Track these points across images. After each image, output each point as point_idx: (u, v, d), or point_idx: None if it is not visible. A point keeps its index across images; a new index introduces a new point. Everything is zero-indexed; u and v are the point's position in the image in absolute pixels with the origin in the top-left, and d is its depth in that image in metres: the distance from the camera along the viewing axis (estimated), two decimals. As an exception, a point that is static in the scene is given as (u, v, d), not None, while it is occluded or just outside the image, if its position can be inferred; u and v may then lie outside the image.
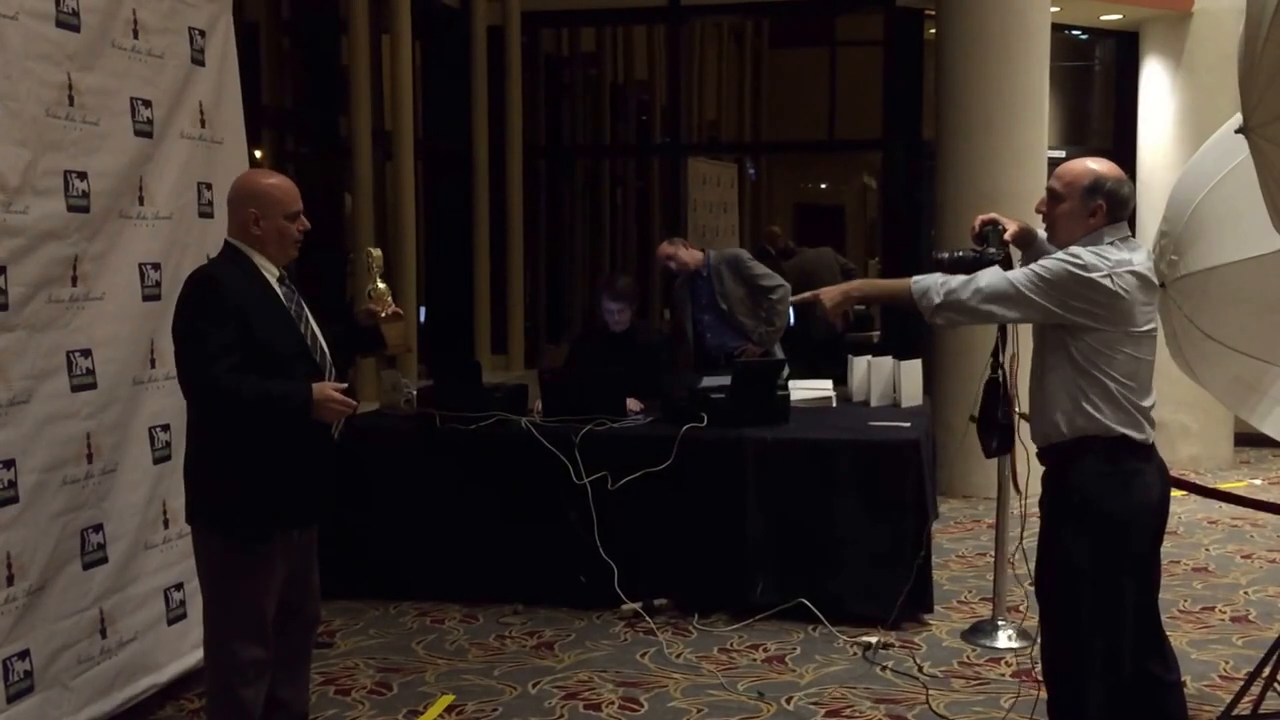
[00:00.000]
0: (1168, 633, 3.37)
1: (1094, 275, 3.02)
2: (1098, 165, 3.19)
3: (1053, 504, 3.19)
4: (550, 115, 10.60)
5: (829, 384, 6.35)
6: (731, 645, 4.89)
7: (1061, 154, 8.57)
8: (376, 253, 3.71)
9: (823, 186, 18.15)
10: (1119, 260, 3.06)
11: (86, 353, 3.92)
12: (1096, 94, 9.85)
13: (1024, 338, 3.50)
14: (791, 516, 5.18)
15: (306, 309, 3.53)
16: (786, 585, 5.14)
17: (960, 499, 7.48)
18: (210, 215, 4.62)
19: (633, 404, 5.70)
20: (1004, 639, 4.92)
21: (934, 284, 3.19)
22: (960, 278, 3.18)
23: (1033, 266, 3.11)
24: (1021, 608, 4.85)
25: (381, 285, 3.63)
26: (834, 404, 6.12)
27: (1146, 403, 3.11)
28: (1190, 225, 3.61)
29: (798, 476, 5.19)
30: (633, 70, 12.26)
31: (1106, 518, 3.06)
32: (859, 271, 10.87)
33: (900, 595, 5.08)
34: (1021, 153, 7.21)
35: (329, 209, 7.07)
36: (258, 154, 6.73)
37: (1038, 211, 3.24)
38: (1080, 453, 3.10)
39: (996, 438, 3.38)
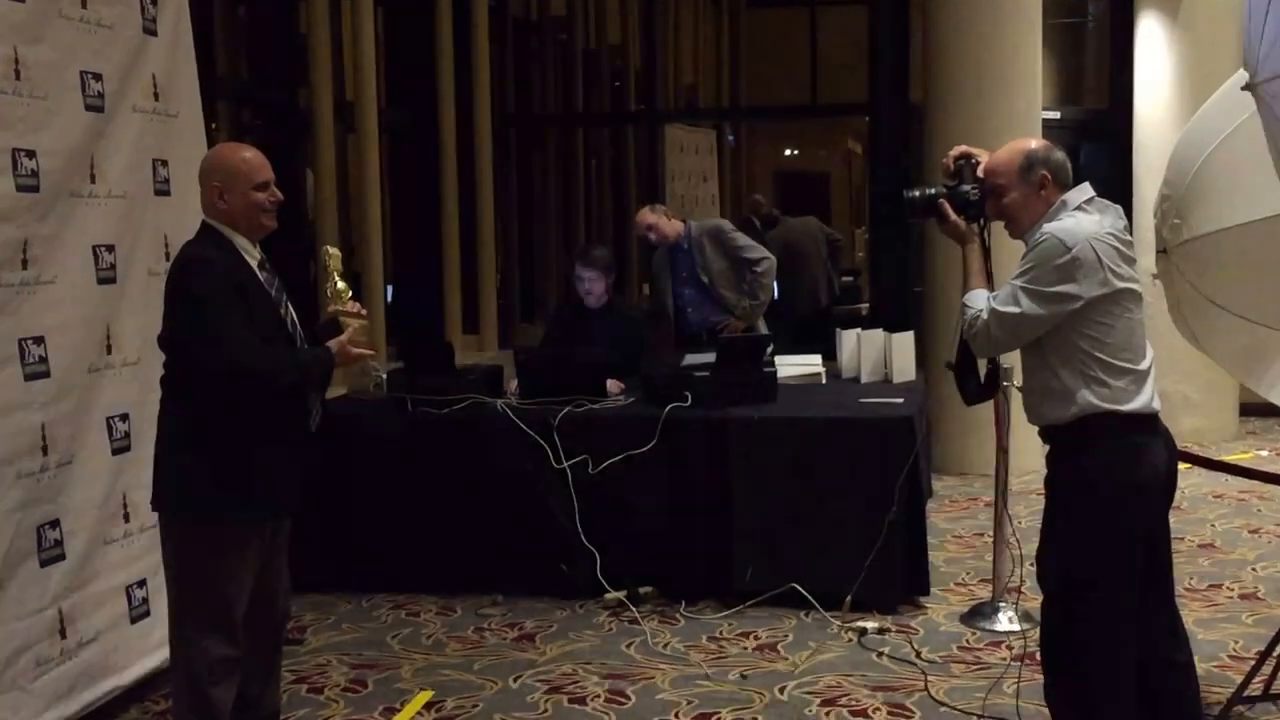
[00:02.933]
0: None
1: (1074, 250, 3.06)
2: (1019, 144, 3.28)
3: (1056, 485, 3.23)
4: (519, 83, 10.57)
5: (818, 359, 6.39)
6: (720, 633, 4.93)
7: (1056, 115, 8.63)
8: (335, 251, 3.74)
9: (808, 153, 18.19)
10: (1095, 224, 3.12)
11: (39, 340, 3.91)
12: (1090, 52, 9.90)
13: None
14: (780, 499, 5.21)
15: (286, 295, 3.56)
16: (776, 570, 5.18)
17: (956, 476, 7.53)
18: (167, 193, 4.62)
19: (613, 385, 5.72)
20: (1004, 621, 4.97)
21: (968, 316, 3.23)
22: (972, 311, 3.22)
23: (1013, 280, 3.15)
24: (1023, 589, 4.90)
25: (341, 284, 3.65)
26: (823, 380, 6.15)
27: (1143, 365, 3.14)
28: (1193, 187, 3.64)
29: (786, 457, 5.22)
30: (605, 35, 12.24)
31: (1113, 496, 3.10)
32: (845, 241, 10.89)
33: (895, 578, 5.13)
34: (1015, 115, 7.24)
35: (290, 187, 7.01)
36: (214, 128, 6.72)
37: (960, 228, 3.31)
38: (1083, 432, 3.13)
39: (973, 382, 3.39)
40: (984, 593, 5.28)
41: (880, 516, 5.09)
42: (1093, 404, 3.12)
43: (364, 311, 3.70)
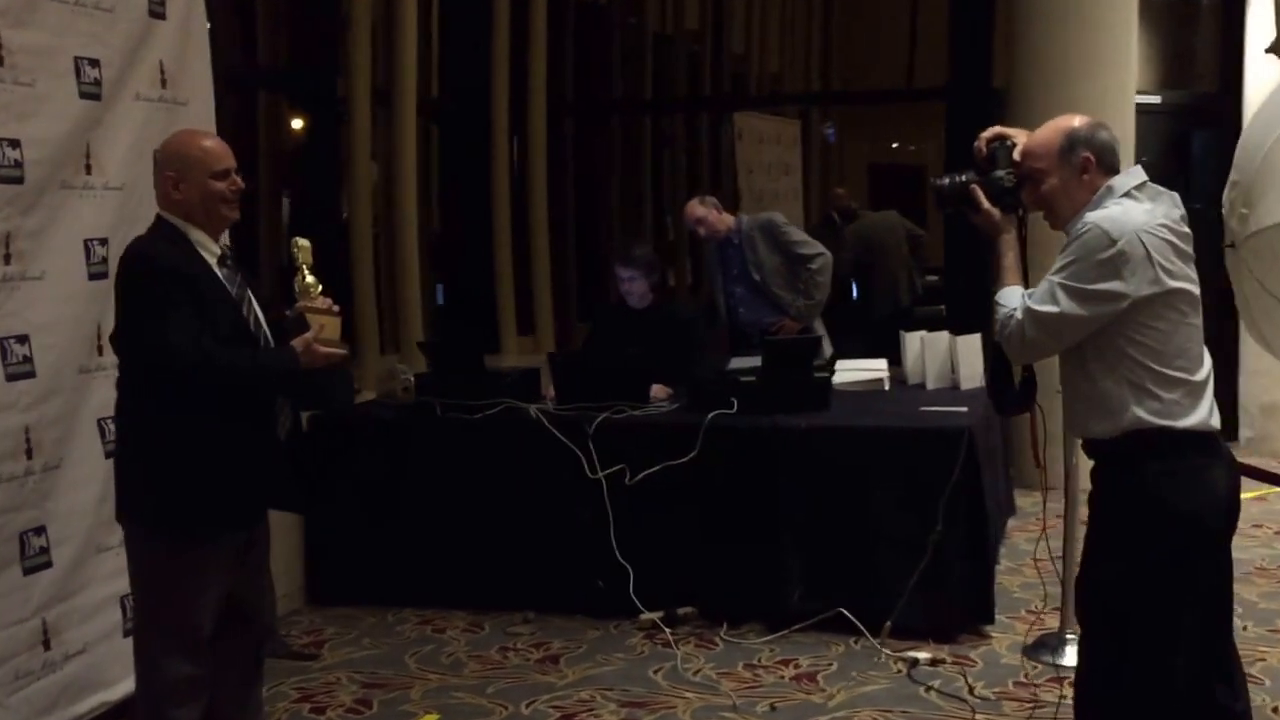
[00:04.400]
0: (1254, 652, 3.14)
1: (1120, 243, 2.81)
2: (1060, 122, 3.02)
3: (1102, 507, 2.98)
4: (582, 69, 10.39)
5: (883, 364, 6.14)
6: (759, 660, 4.72)
7: (1156, 99, 8.24)
8: (304, 243, 3.54)
9: (905, 145, 17.79)
10: (1145, 213, 2.86)
11: (23, 338, 3.84)
12: (1200, 31, 9.45)
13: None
14: (830, 514, 4.99)
15: (250, 293, 3.43)
16: (826, 592, 4.95)
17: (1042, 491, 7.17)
18: (175, 184, 4.54)
19: (659, 390, 5.54)
20: (1071, 654, 4.68)
21: (1000, 315, 3.00)
22: (1005, 310, 2.98)
23: (1051, 276, 2.90)
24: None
25: (310, 279, 3.48)
26: (886, 387, 5.91)
27: (1199, 375, 2.88)
28: (1262, 173, 3.35)
29: (837, 469, 5.00)
30: (682, 20, 12.03)
31: (1165, 524, 2.84)
32: (930, 238, 10.57)
33: (955, 604, 4.88)
34: (1105, 99, 6.89)
35: (329, 181, 6.95)
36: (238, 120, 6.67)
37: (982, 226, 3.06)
38: (1130, 450, 2.88)
39: (1010, 390, 3.14)
40: (1056, 621, 5.00)
41: (939, 535, 4.84)
42: (1142, 419, 2.86)
43: (336, 308, 3.52)
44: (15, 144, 3.81)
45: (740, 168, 10.76)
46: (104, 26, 4.19)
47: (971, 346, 5.91)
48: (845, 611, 4.86)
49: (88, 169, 4.12)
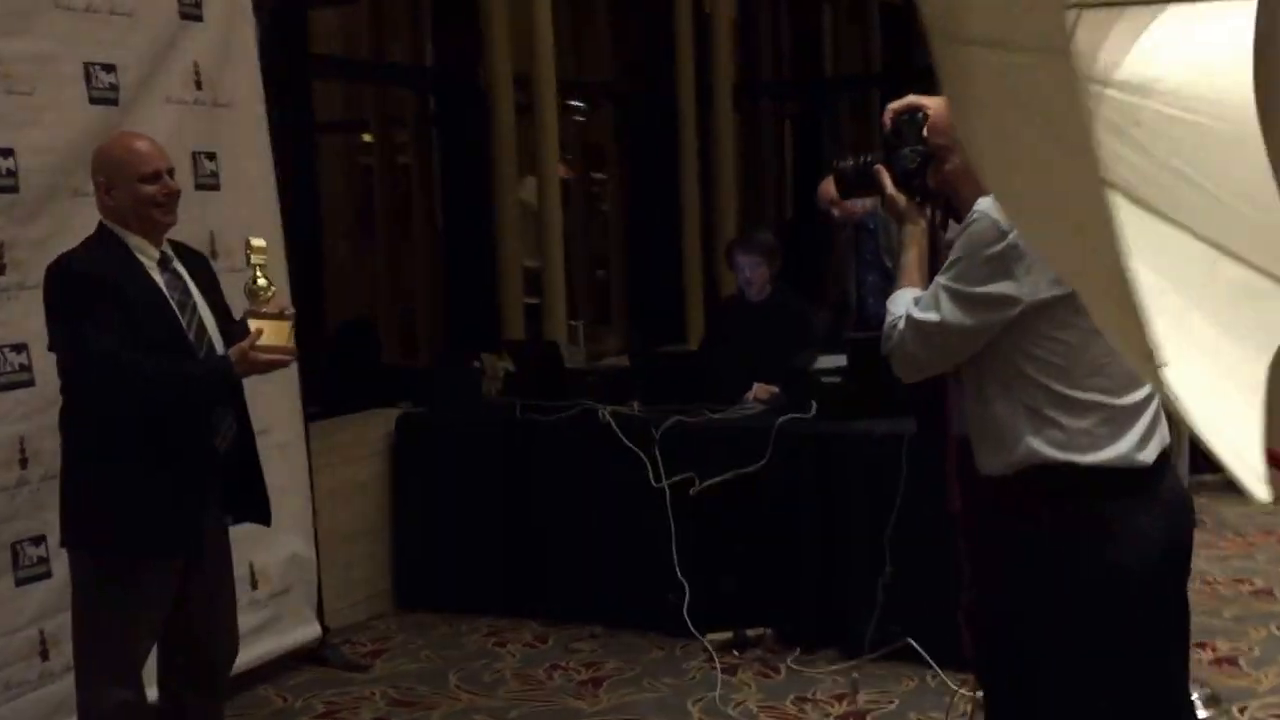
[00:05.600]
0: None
1: (1012, 235, 2.30)
2: None
3: (1004, 563, 2.48)
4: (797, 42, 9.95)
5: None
6: (814, 694, 4.32)
7: None
8: (258, 242, 3.37)
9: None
10: None
11: (19, 347, 3.92)
12: None
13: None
14: (915, 533, 4.49)
15: (198, 297, 3.35)
16: (902, 617, 4.48)
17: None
18: (215, 187, 4.58)
19: (761, 391, 5.19)
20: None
21: (885, 326, 2.56)
22: (890, 318, 2.53)
23: (938, 277, 2.43)
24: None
25: (262, 280, 3.31)
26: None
27: (1125, 399, 2.33)
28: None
29: (923, 482, 4.49)
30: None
31: (1070, 584, 2.33)
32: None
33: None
34: None
35: (480, 174, 6.86)
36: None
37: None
38: (1027, 491, 2.38)
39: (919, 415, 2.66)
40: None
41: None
42: (1038, 451, 2.35)
43: (289, 310, 3.37)
44: (8, 153, 3.88)
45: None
46: (123, 31, 4.23)
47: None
48: (914, 643, 4.37)
49: (107, 176, 4.16)
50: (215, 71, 4.55)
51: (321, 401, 5.75)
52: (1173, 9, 1.33)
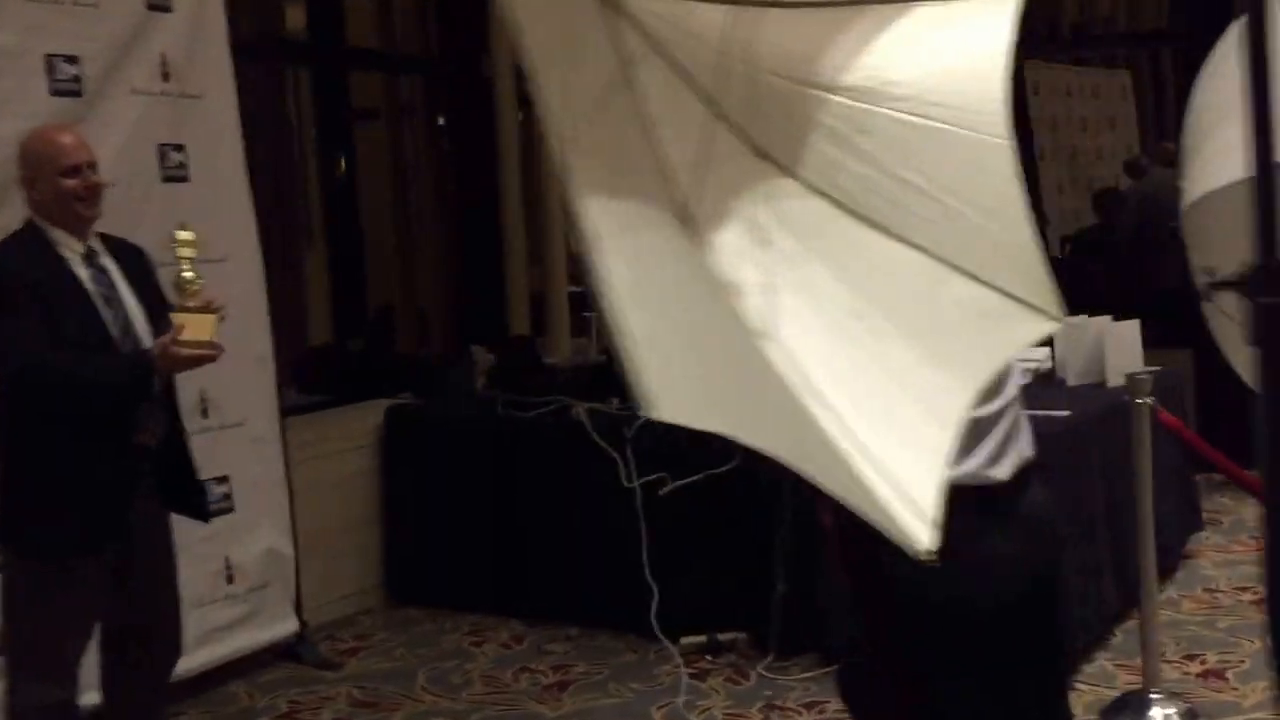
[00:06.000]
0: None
1: None
2: None
3: (854, 585, 2.37)
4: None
5: (1044, 355, 5.37)
6: (785, 701, 4.22)
7: None
8: (185, 235, 3.30)
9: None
10: None
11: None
12: None
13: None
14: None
15: (125, 292, 3.31)
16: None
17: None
18: (183, 179, 4.55)
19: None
20: (1158, 716, 3.91)
21: None
22: None
23: None
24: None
25: (188, 274, 3.25)
26: (1021, 381, 5.13)
27: (980, 411, 2.20)
28: (1188, 138, 2.56)
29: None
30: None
31: (922, 613, 2.22)
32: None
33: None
34: None
35: (486, 168, 6.79)
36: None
37: None
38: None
39: None
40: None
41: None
42: None
43: (216, 304, 3.29)
44: (-39, 146, 3.87)
45: (1041, 124, 10.13)
46: (87, 22, 4.21)
47: (1125, 337, 5.08)
48: (883, 652, 4.25)
49: (71, 166, 4.15)
50: (184, 62, 4.52)
51: (328, 391, 5.79)
52: (921, 9, 1.23)
